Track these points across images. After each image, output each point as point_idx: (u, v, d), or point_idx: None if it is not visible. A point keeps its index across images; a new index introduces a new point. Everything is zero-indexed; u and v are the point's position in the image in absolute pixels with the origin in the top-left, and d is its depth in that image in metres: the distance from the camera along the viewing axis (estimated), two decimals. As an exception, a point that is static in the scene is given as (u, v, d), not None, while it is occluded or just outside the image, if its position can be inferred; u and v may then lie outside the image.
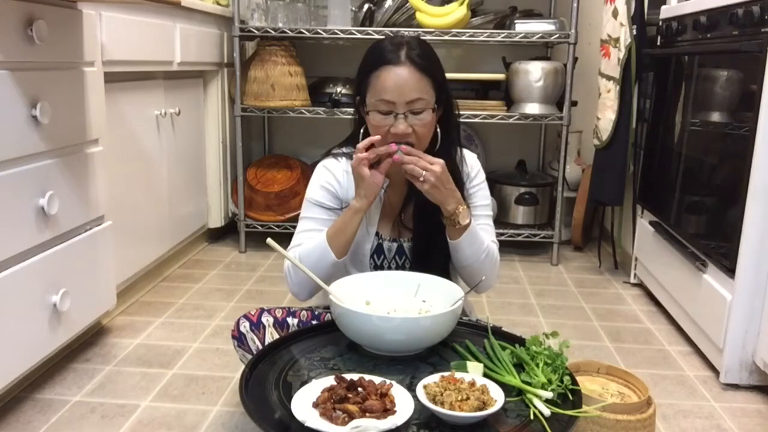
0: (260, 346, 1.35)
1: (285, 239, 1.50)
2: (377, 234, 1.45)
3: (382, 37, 2.68)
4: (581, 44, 2.91)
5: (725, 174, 1.88)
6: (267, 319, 1.38)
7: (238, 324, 1.38)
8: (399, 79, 1.30)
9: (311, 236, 1.39)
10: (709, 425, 1.60)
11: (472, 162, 1.48)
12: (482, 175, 1.49)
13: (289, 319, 1.41)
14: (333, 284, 1.31)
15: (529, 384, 1.10)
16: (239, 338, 1.37)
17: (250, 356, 1.33)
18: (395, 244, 1.46)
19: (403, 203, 1.46)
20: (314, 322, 1.42)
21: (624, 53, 2.42)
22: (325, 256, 1.34)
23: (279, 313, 1.41)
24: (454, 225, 1.34)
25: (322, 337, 1.31)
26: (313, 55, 3.24)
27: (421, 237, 1.44)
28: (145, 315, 2.18)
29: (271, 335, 1.37)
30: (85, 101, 1.78)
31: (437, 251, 1.43)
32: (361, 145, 1.31)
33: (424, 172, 1.28)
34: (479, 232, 1.39)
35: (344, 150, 1.48)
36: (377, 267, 1.47)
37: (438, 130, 1.38)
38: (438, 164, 1.29)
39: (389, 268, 1.47)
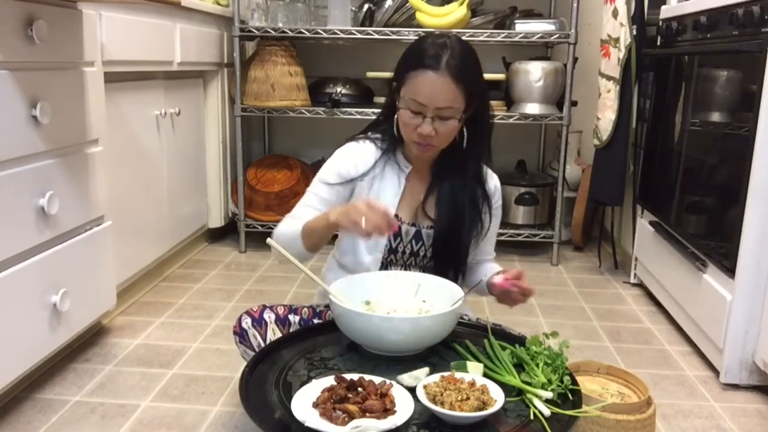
0: (262, 343, 1.36)
1: (285, 239, 1.48)
2: (396, 216, 1.45)
3: (384, 37, 2.71)
4: (581, 44, 2.90)
5: (725, 174, 1.88)
6: (269, 316, 1.39)
7: (240, 320, 1.39)
8: (434, 86, 1.33)
9: (308, 212, 1.42)
10: (709, 425, 1.60)
11: (495, 185, 1.54)
12: (501, 200, 1.57)
13: (291, 317, 1.41)
14: (333, 284, 1.32)
15: (529, 384, 1.10)
16: (241, 334, 1.38)
17: (251, 352, 1.34)
18: (414, 229, 1.48)
19: (426, 191, 1.49)
20: (315, 320, 1.42)
21: (624, 53, 2.42)
22: (296, 244, 1.37)
23: (281, 310, 1.42)
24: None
25: (323, 337, 1.31)
26: (313, 55, 3.24)
27: (442, 227, 1.46)
28: (145, 315, 2.18)
29: (273, 332, 1.38)
30: (85, 101, 1.78)
31: (458, 244, 1.47)
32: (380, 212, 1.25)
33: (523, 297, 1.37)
34: None
35: (369, 134, 1.51)
36: (392, 250, 1.48)
37: (465, 131, 1.42)
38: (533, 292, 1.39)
39: (404, 252, 1.48)
